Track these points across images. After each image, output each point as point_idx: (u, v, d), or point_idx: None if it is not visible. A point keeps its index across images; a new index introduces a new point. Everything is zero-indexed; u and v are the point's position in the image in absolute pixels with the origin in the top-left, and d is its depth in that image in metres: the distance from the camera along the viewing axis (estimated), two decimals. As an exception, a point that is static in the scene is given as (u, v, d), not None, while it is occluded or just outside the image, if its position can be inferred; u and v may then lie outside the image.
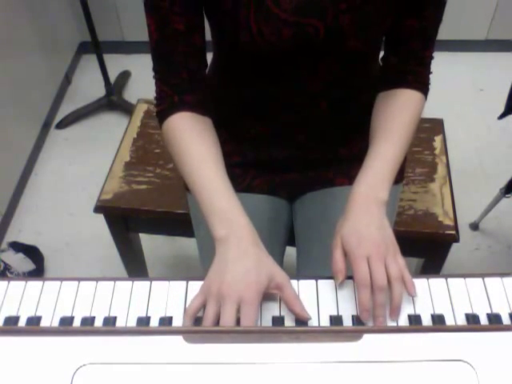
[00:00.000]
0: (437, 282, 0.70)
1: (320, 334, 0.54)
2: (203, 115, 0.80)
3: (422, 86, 0.83)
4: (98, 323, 0.66)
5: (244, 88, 0.87)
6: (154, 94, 0.82)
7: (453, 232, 1.09)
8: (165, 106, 0.80)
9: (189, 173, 0.75)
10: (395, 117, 0.80)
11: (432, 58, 0.84)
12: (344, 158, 0.95)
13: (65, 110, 2.23)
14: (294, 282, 0.69)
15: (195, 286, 0.70)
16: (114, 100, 2.20)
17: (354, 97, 0.88)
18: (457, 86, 2.22)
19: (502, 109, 1.45)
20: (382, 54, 0.87)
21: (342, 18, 0.74)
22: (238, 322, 0.62)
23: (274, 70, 0.81)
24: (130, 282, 0.71)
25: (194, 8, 0.75)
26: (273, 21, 0.73)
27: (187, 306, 0.66)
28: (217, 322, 0.62)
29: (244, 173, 0.96)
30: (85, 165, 2.02)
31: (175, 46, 0.77)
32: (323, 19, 0.74)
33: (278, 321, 0.66)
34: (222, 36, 0.80)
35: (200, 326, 0.65)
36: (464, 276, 0.70)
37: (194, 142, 0.77)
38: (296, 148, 0.92)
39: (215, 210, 0.71)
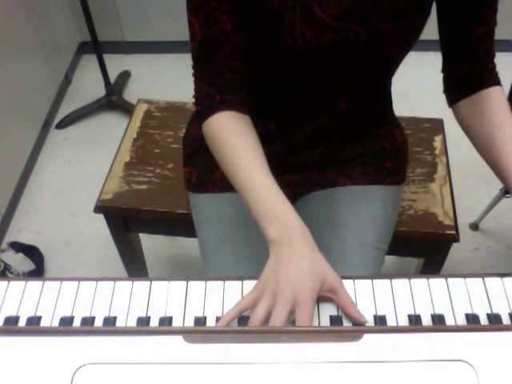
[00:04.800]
0: (437, 282, 0.70)
1: (320, 334, 0.54)
2: (243, 113, 0.79)
3: (498, 80, 0.85)
4: (98, 323, 0.66)
5: (264, 87, 0.86)
6: (193, 93, 0.80)
7: (453, 232, 1.09)
8: (205, 106, 0.79)
9: (235, 173, 0.74)
10: (504, 118, 0.81)
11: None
12: (346, 160, 0.95)
13: (65, 110, 2.23)
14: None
15: (195, 286, 0.70)
16: (113, 100, 2.20)
17: (372, 97, 0.89)
18: (457, 86, 2.21)
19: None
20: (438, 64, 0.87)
21: (384, 24, 0.74)
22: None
23: (302, 70, 0.80)
24: (130, 282, 0.70)
25: (241, 7, 0.74)
26: (316, 25, 0.73)
27: (239, 301, 0.64)
28: (266, 321, 0.62)
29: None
30: (85, 165, 2.02)
31: (220, 45, 0.76)
32: (366, 26, 0.74)
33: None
34: (260, 36, 0.78)
35: (200, 326, 0.65)
36: (464, 276, 0.70)
37: (239, 141, 0.76)
38: (300, 148, 0.92)
39: (266, 211, 0.70)
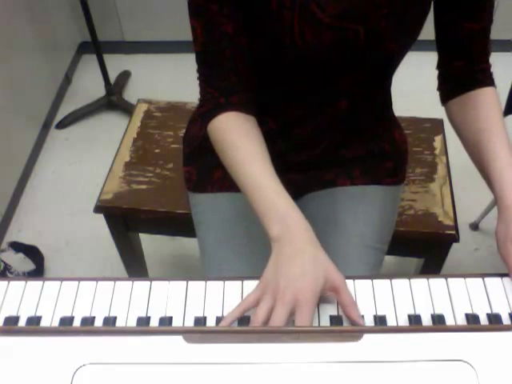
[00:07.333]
0: (437, 282, 0.70)
1: (320, 334, 0.54)
2: (248, 114, 0.79)
3: (492, 81, 0.84)
4: (98, 323, 0.66)
5: (265, 86, 0.86)
6: (198, 96, 0.81)
7: (453, 232, 1.09)
8: (209, 107, 0.79)
9: (239, 172, 0.75)
10: (493, 118, 0.81)
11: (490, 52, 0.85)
12: (345, 160, 0.95)
13: (65, 110, 2.23)
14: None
15: (195, 286, 0.70)
16: (113, 100, 2.20)
17: (372, 96, 0.89)
18: (457, 86, 2.21)
19: (501, 109, 1.45)
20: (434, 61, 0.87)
21: (383, 22, 0.74)
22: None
23: (302, 70, 0.80)
24: (130, 282, 0.70)
25: (241, 9, 0.74)
26: (315, 25, 0.73)
27: (241, 300, 0.65)
28: (268, 321, 0.61)
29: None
30: (85, 165, 2.02)
31: (223, 48, 0.76)
32: (364, 24, 0.74)
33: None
34: (261, 37, 0.78)
35: (200, 326, 0.65)
36: (464, 276, 0.70)
37: (243, 141, 0.76)
38: (301, 147, 0.92)
39: (269, 208, 0.70)
